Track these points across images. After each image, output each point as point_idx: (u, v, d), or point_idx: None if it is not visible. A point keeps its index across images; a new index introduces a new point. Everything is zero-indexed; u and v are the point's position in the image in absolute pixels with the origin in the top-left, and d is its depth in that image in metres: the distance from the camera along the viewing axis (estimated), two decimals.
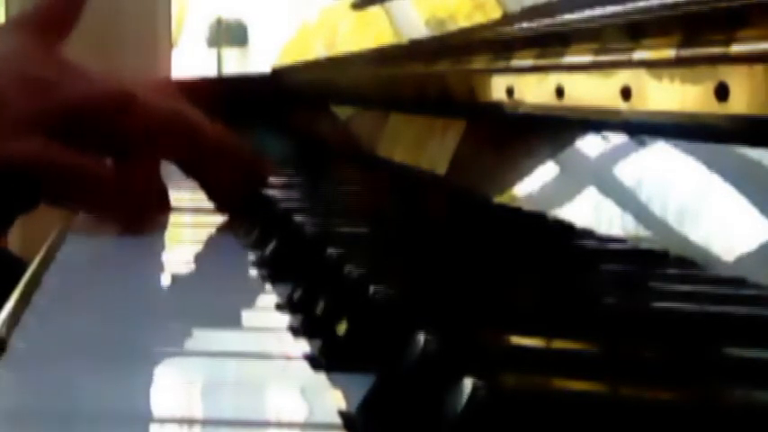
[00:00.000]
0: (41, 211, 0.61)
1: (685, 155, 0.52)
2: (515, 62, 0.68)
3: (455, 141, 0.81)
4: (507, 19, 0.71)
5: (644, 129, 0.55)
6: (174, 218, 0.65)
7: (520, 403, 0.24)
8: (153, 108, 0.60)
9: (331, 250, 0.44)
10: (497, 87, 0.71)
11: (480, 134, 0.78)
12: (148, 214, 0.61)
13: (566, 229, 0.57)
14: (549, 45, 0.63)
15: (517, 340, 0.31)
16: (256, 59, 2.01)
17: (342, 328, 0.34)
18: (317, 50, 1.29)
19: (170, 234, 0.63)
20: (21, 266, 0.53)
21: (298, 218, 0.56)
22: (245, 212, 0.66)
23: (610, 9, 0.55)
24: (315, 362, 0.33)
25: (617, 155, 0.59)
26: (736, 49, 0.45)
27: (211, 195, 0.67)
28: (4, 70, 0.59)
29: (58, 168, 0.57)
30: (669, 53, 0.50)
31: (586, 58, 0.58)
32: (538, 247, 0.52)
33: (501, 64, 0.70)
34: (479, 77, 0.74)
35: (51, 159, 0.57)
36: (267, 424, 0.29)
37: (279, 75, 1.41)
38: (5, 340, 0.34)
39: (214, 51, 2.12)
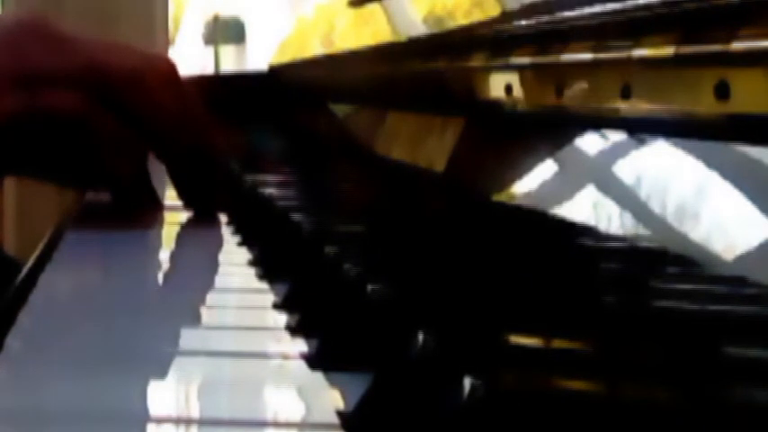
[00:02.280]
0: (38, 211, 0.61)
1: (685, 153, 0.52)
2: (514, 60, 0.68)
3: (453, 139, 0.81)
4: (506, 16, 0.71)
5: (643, 127, 0.55)
6: (170, 216, 0.65)
7: (518, 402, 0.24)
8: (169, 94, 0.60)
9: (329, 249, 0.44)
10: (496, 85, 0.70)
11: (479, 132, 0.78)
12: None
13: (564, 227, 0.57)
14: (548, 43, 0.63)
15: (516, 339, 0.31)
16: (253, 57, 2.01)
17: None
18: (314, 48, 1.29)
19: (166, 233, 0.63)
20: (15, 267, 0.53)
21: (295, 216, 0.56)
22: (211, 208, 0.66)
23: (609, 6, 0.55)
24: (312, 361, 0.33)
25: (616, 153, 0.58)
26: (736, 46, 0.45)
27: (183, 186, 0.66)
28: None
29: (95, 124, 0.58)
30: (669, 51, 0.50)
31: (586, 56, 0.58)
32: (536, 246, 0.52)
33: (500, 61, 0.70)
34: (478, 75, 0.74)
35: (96, 115, 0.58)
36: (264, 424, 0.28)
37: (276, 72, 1.40)
38: (1, 340, 0.34)
39: (211, 49, 2.12)
